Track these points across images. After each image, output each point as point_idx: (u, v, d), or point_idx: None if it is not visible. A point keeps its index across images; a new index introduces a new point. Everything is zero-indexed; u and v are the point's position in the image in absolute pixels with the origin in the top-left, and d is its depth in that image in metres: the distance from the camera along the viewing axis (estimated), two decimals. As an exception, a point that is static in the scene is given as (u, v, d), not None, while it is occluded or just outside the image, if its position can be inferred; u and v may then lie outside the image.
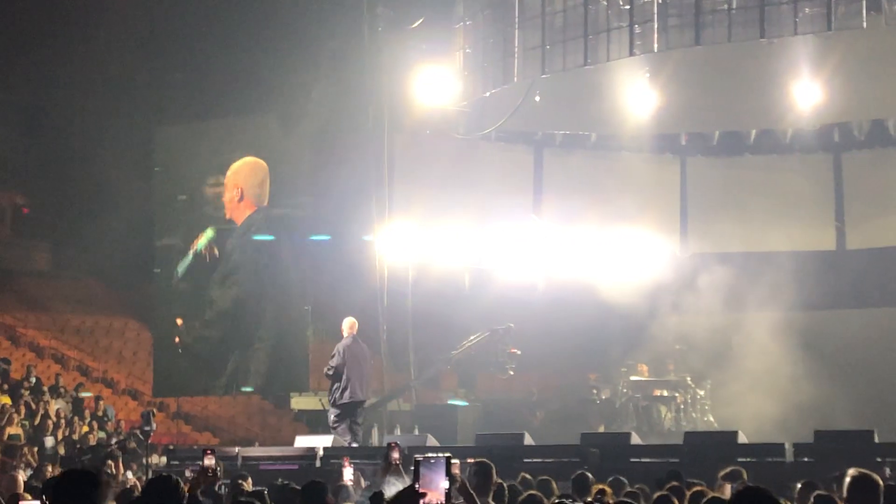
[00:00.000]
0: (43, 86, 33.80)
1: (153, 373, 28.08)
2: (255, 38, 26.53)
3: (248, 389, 26.28)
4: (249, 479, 11.84)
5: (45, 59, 33.19)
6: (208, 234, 25.96)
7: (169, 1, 28.87)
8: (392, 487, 10.98)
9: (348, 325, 18.75)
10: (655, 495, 8.97)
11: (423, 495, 5.13)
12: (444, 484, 5.16)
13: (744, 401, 21.39)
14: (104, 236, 31.90)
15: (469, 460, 11.18)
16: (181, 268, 25.96)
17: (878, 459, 13.68)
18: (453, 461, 5.42)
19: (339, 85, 24.57)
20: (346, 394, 18.32)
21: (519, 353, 22.90)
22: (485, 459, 9.15)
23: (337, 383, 18.39)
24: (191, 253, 25.97)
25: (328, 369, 18.56)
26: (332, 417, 18.53)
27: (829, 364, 22.18)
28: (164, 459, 20.35)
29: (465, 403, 23.33)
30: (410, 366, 24.13)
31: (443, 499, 5.15)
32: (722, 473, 11.05)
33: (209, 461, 7.49)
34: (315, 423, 25.92)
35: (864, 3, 18.07)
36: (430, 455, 5.28)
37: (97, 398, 27.41)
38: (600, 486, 10.10)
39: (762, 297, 22.81)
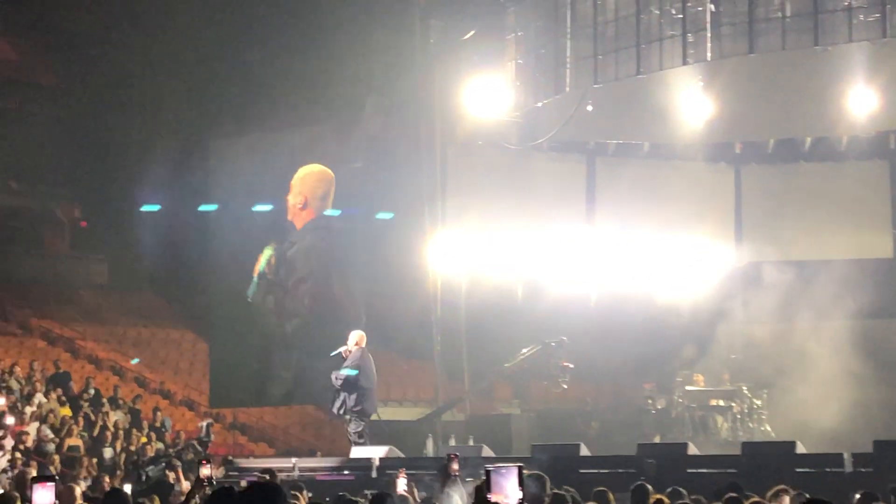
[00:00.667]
0: (100, 101, 34.22)
1: (209, 383, 28.32)
2: (308, 51, 26.71)
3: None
4: (305, 492, 11.85)
5: (103, 76, 33.65)
6: (267, 253, 26.18)
7: (224, 16, 29.12)
8: (450, 499, 11.01)
9: (359, 337, 18.68)
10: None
11: None
12: (517, 493, 5.16)
13: (801, 410, 21.21)
14: (161, 248, 32.21)
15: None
16: (250, 292, 26.15)
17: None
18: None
19: (392, 97, 24.71)
20: (367, 405, 18.34)
21: (572, 366, 22.83)
22: (539, 472, 9.15)
23: (355, 393, 18.34)
24: (255, 276, 26.18)
25: (340, 379, 18.39)
26: (356, 429, 18.50)
27: (888, 372, 21.97)
28: (221, 470, 20.48)
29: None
30: (464, 376, 24.17)
31: None
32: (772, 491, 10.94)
33: (205, 471, 7.43)
34: (370, 433, 25.97)
35: (920, 8, 17.94)
36: (501, 465, 5.30)
37: (155, 409, 27.65)
38: (658, 497, 10.06)
39: (818, 305, 22.65)
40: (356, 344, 18.51)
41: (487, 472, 5.20)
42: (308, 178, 26.03)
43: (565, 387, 23.17)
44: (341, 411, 18.43)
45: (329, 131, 25.86)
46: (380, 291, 25.94)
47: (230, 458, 21.11)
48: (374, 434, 23.61)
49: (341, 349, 18.33)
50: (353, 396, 18.33)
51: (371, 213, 25.35)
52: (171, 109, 32.03)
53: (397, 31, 24.23)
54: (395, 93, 24.60)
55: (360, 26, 24.82)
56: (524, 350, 23.01)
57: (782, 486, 10.27)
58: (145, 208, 27.92)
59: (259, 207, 26.21)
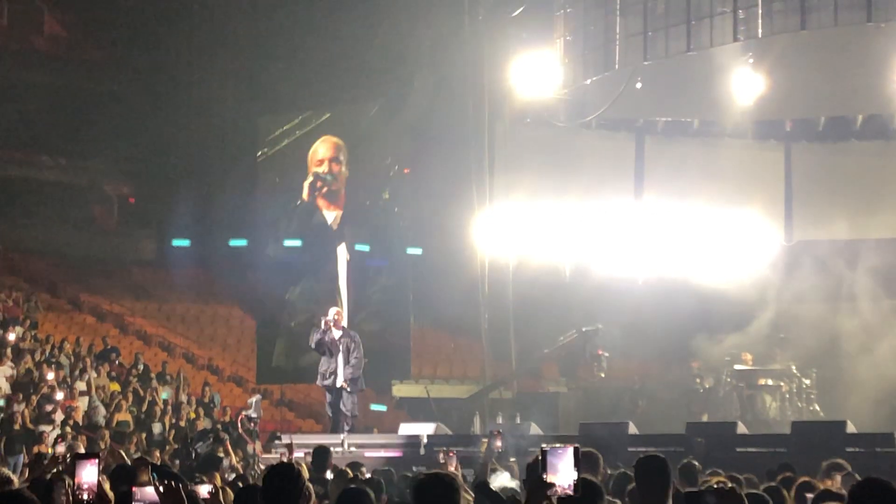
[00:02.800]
0: (148, 78, 34.42)
1: (256, 360, 28.52)
2: (356, 28, 26.75)
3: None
4: (363, 468, 11.84)
5: (151, 53, 33.82)
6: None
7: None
8: (498, 477, 11.02)
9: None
10: (763, 486, 8.88)
11: (552, 486, 5.06)
12: (573, 474, 5.07)
13: (851, 390, 21.07)
14: (210, 223, 32.45)
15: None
16: None
17: None
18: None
19: (440, 74, 24.68)
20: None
21: (607, 354, 22.77)
22: (592, 449, 9.05)
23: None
24: None
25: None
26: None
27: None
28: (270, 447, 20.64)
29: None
30: (511, 355, 24.17)
31: (570, 490, 5.05)
32: (825, 465, 10.86)
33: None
34: (416, 410, 26.10)
35: (975, -16, 17.69)
36: (557, 444, 5.22)
37: (204, 384, 27.89)
38: (719, 479, 9.96)
39: (869, 284, 22.45)
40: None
41: (543, 452, 5.12)
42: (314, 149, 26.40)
43: (602, 375, 23.11)
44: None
45: (375, 109, 25.89)
46: (427, 269, 25.99)
47: (278, 433, 21.26)
48: (423, 411, 23.76)
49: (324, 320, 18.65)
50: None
51: (419, 190, 25.42)
52: (219, 85, 32.17)
53: (446, 7, 24.18)
54: (443, 70, 24.57)
55: (409, 4, 24.80)
56: (561, 338, 23.00)
57: (836, 461, 10.19)
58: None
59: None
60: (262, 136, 28.16)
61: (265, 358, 28.02)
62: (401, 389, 28.82)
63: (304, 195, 27.16)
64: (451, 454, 12.76)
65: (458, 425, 21.30)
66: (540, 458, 5.06)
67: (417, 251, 26.55)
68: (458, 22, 23.95)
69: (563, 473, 5.04)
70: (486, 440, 13.66)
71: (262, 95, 29.81)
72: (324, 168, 26.30)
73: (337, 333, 18.97)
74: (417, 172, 25.79)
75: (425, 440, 17.34)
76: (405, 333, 25.59)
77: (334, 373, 18.90)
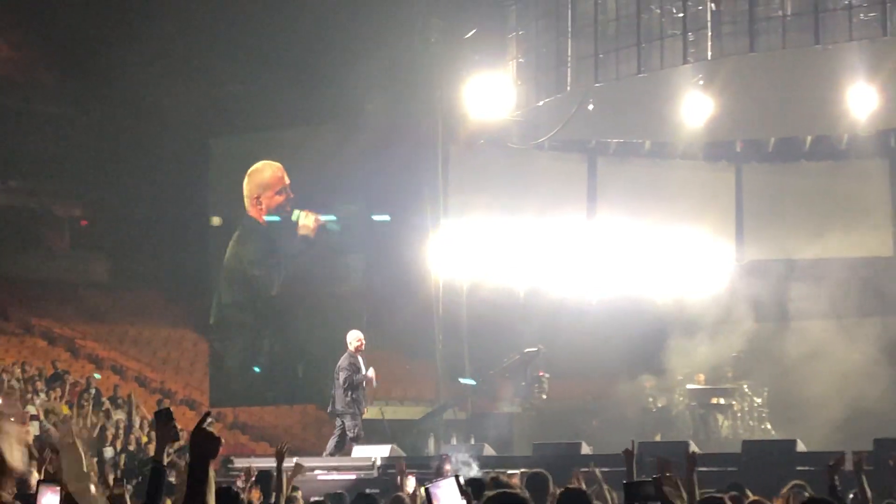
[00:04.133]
0: (100, 100, 34.21)
1: (210, 383, 28.36)
2: (310, 50, 26.72)
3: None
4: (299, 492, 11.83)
5: (103, 74, 33.62)
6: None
7: (225, 13, 29.12)
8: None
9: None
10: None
11: None
12: (462, 502, 5.11)
13: (802, 409, 21.23)
14: (162, 247, 32.29)
15: (522, 470, 11.19)
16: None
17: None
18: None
19: (394, 96, 24.71)
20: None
21: (548, 375, 22.81)
22: (540, 470, 9.11)
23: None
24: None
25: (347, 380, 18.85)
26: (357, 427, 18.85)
27: (888, 370, 21.97)
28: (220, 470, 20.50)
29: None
30: (466, 376, 24.18)
31: None
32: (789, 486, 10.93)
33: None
34: (371, 432, 25.99)
35: (921, 7, 17.96)
36: (437, 481, 5.26)
37: (159, 403, 27.68)
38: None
39: (818, 303, 22.67)
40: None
41: (427, 492, 5.14)
42: (254, 176, 26.35)
43: (544, 397, 23.14)
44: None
45: (329, 131, 25.89)
46: (380, 290, 25.97)
47: (231, 457, 21.13)
48: (377, 433, 23.69)
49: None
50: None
51: (370, 213, 25.43)
52: (171, 107, 32.04)
53: (399, 29, 24.24)
54: (396, 92, 24.62)
55: (362, 24, 24.84)
56: (505, 359, 23.08)
57: (797, 482, 10.27)
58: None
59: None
60: (214, 157, 28.08)
61: (219, 380, 27.86)
62: (355, 411, 28.71)
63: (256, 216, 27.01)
64: (409, 476, 12.77)
65: (412, 447, 21.27)
66: (425, 497, 5.07)
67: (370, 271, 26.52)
68: (411, 43, 24.03)
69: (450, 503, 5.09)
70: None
71: (215, 117, 29.72)
72: (287, 194, 26.24)
73: (361, 359, 18.98)
74: (371, 194, 25.79)
75: (379, 462, 17.30)
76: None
77: (365, 397, 19.06)
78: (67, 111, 34.62)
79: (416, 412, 26.16)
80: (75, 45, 33.87)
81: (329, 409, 19.43)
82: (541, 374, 22.78)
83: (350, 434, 18.87)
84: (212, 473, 4.46)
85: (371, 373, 18.75)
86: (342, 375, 18.84)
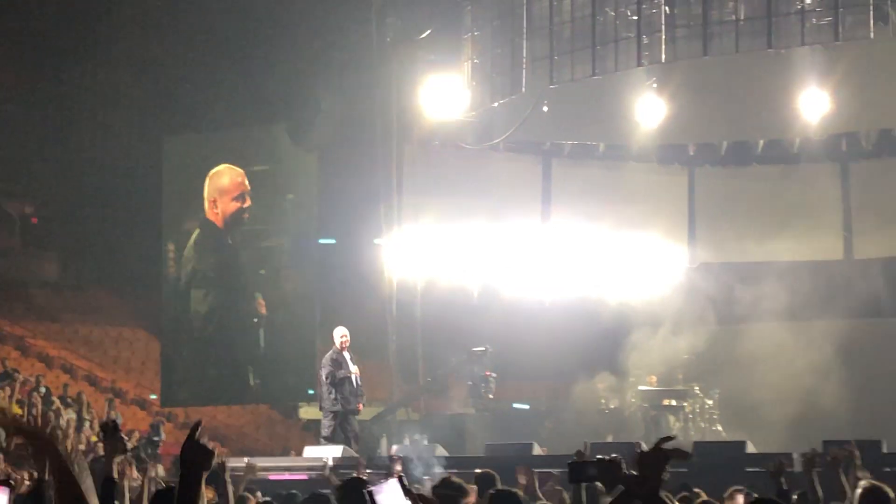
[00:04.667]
0: (52, 97, 33.93)
1: (161, 382, 28.19)
2: (264, 49, 26.63)
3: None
4: (258, 493, 11.78)
5: (55, 72, 33.35)
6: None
7: (178, 9, 28.96)
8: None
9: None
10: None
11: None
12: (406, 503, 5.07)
13: (752, 410, 21.39)
14: (113, 246, 32.05)
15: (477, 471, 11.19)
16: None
17: (887, 469, 13.66)
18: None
19: (349, 95, 24.65)
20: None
21: (495, 375, 22.80)
22: (488, 470, 9.17)
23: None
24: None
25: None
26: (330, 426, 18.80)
27: (838, 373, 22.17)
28: (172, 470, 20.38)
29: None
30: (419, 376, 24.18)
31: None
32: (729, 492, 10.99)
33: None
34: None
35: (872, 13, 18.12)
36: (379, 484, 5.21)
37: (109, 402, 27.50)
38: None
39: (769, 306, 22.82)
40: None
41: (370, 494, 5.09)
42: (213, 180, 26.20)
43: (491, 397, 23.13)
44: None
45: (284, 130, 25.79)
46: (334, 290, 25.91)
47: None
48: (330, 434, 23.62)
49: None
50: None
51: (326, 212, 25.37)
52: (123, 106, 31.82)
53: (353, 29, 24.19)
54: (351, 92, 24.56)
55: (316, 23, 24.77)
56: (453, 359, 23.08)
57: (737, 488, 10.34)
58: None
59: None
60: (167, 155, 27.89)
61: (170, 380, 27.67)
62: (308, 412, 28.65)
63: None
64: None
65: (365, 448, 21.22)
66: (368, 501, 5.01)
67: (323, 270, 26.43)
68: (367, 44, 23.97)
69: None
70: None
71: (166, 116, 29.54)
72: (244, 203, 26.08)
73: (347, 356, 18.96)
74: (325, 194, 25.71)
75: (331, 463, 17.25)
76: (311, 354, 25.45)
77: (355, 395, 18.97)
78: (18, 108, 34.27)
79: (369, 413, 26.09)
80: (26, 42, 33.56)
81: (319, 407, 19.46)
82: (488, 373, 22.74)
83: (323, 432, 18.82)
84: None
85: (354, 369, 18.70)
86: (323, 372, 18.84)
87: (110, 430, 5.47)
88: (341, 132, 25.08)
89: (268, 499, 10.38)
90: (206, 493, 12.35)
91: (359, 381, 19.10)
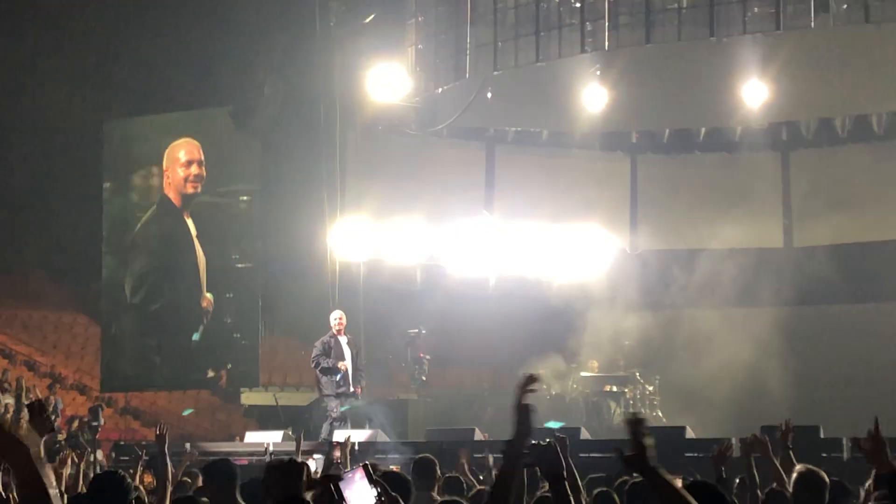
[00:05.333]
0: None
1: (101, 368, 27.95)
2: (205, 32, 26.41)
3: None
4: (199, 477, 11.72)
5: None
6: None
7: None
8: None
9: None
10: (596, 490, 9.03)
11: None
12: (372, 492, 5.03)
13: (693, 396, 21.55)
14: (53, 231, 31.70)
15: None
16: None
17: (824, 455, 13.83)
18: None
19: (292, 80, 24.54)
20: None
21: (429, 357, 22.81)
22: (427, 455, 9.20)
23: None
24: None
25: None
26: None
27: (776, 360, 22.40)
28: (113, 455, 20.23)
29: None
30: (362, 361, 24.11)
31: None
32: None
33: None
34: (266, 418, 25.86)
35: (813, 3, 18.31)
36: (346, 471, 5.17)
37: (50, 387, 27.23)
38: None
39: (710, 293, 23.01)
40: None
41: (336, 483, 4.94)
42: (170, 151, 25.98)
43: (424, 378, 23.14)
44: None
45: (226, 114, 25.61)
46: (277, 276, 25.79)
47: (122, 442, 20.84)
48: (272, 419, 23.56)
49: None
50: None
51: (269, 196, 25.25)
52: (63, 88, 31.44)
53: (298, 12, 24.05)
54: (294, 76, 24.44)
55: (260, 7, 24.62)
56: (388, 342, 23.08)
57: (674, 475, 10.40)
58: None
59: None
60: (108, 138, 27.61)
61: (110, 365, 27.44)
62: (250, 397, 28.53)
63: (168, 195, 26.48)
64: (310, 460, 12.77)
65: (307, 433, 21.15)
66: (335, 492, 4.96)
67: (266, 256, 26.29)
68: (310, 28, 23.84)
69: (361, 495, 5.00)
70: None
71: (107, 99, 29.22)
72: (192, 170, 25.83)
73: (343, 339, 18.65)
74: (269, 179, 25.59)
75: (271, 448, 17.19)
76: (254, 340, 25.35)
77: (347, 381, 18.57)
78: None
79: (311, 398, 26.04)
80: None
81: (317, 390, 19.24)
82: (421, 355, 22.74)
83: (332, 414, 18.53)
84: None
85: (341, 365, 18.50)
86: (312, 354, 18.62)
87: (35, 411, 5.40)
88: (284, 116, 24.96)
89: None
90: (145, 478, 12.33)
91: (359, 366, 18.81)
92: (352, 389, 18.80)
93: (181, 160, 25.90)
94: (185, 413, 28.15)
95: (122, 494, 6.40)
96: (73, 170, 30.81)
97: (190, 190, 25.86)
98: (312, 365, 18.78)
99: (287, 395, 27.04)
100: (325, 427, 18.60)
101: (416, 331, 22.21)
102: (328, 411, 18.73)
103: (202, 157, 25.78)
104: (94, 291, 28.74)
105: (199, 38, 26.46)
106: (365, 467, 5.11)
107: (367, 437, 17.28)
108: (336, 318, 18.85)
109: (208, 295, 25.60)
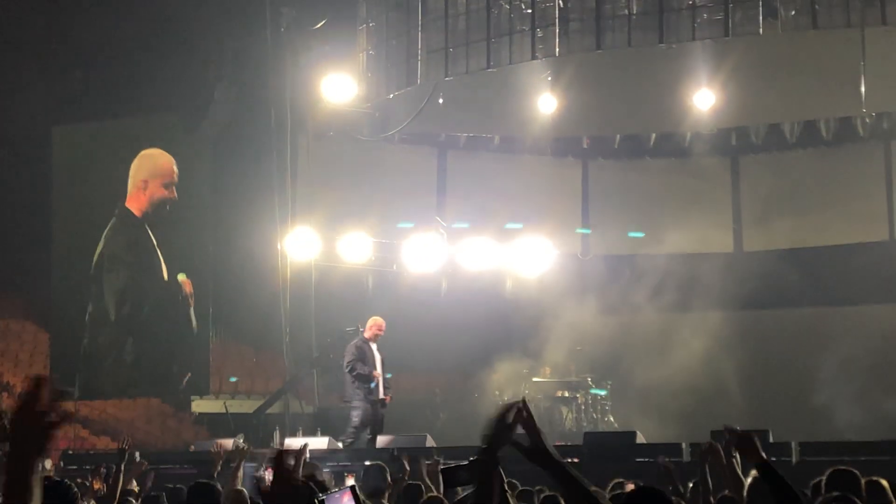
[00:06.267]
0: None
1: (50, 376, 27.64)
2: (155, 36, 26.20)
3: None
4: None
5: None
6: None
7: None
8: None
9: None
10: (543, 495, 9.04)
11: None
12: None
13: (643, 401, 21.65)
14: (0, 238, 31.31)
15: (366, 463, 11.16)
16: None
17: (773, 459, 13.88)
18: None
19: (242, 85, 24.42)
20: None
21: None
22: (379, 462, 9.17)
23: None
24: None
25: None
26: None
27: (727, 364, 22.54)
28: (60, 464, 20.04)
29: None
30: (313, 368, 24.02)
31: None
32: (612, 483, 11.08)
33: None
34: (216, 426, 25.70)
35: (761, 9, 18.42)
36: (332, 491, 5.08)
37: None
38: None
39: (661, 298, 23.13)
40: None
41: (321, 503, 4.97)
42: (145, 161, 25.66)
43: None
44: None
45: (176, 119, 25.44)
46: (228, 282, 25.63)
47: (70, 451, 20.63)
48: (223, 427, 23.41)
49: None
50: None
51: (220, 201, 25.09)
52: (9, 95, 31.10)
53: (248, 17, 23.93)
54: (244, 81, 24.32)
55: (210, 11, 24.45)
56: (328, 339, 22.91)
57: (619, 480, 10.45)
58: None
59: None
60: (56, 145, 27.35)
61: (60, 374, 27.13)
62: (200, 405, 28.33)
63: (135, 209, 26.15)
64: (268, 469, 12.66)
65: (258, 441, 21.06)
66: None
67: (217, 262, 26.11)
68: (260, 32, 23.71)
69: None
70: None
71: (55, 106, 28.92)
72: (174, 192, 25.54)
73: (374, 346, 18.50)
74: (219, 184, 25.42)
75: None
76: (204, 347, 25.17)
77: (378, 386, 18.39)
78: None
79: (251, 405, 25.93)
80: None
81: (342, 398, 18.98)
82: None
83: (354, 421, 18.28)
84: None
85: (376, 374, 18.35)
86: (345, 360, 18.32)
87: None
88: (235, 121, 24.82)
89: (155, 494, 10.24)
90: (94, 484, 12.16)
91: (385, 377, 18.64)
92: (381, 397, 18.53)
93: (167, 179, 25.54)
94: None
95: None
96: (21, 175, 30.48)
97: (163, 207, 25.60)
98: (347, 370, 18.46)
99: (238, 403, 26.90)
100: (350, 431, 18.34)
101: (353, 328, 22.00)
102: (351, 419, 18.44)
103: (176, 177, 25.50)
104: (43, 299, 28.43)
105: (147, 42, 26.25)
106: (352, 489, 5.00)
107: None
108: (371, 324, 18.59)
109: (182, 277, 25.26)
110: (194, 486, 8.31)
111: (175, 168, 25.46)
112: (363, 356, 18.43)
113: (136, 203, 25.73)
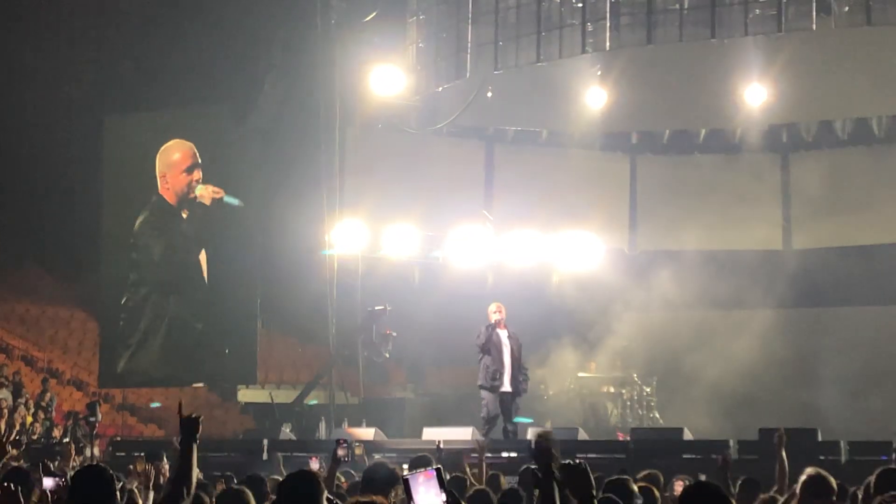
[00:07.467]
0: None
1: (99, 363, 27.90)
2: (207, 28, 26.36)
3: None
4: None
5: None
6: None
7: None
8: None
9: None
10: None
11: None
12: (441, 496, 4.87)
13: (691, 398, 21.54)
14: (51, 226, 31.66)
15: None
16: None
17: (821, 458, 13.81)
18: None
19: (292, 77, 24.49)
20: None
21: (395, 334, 22.38)
22: (425, 454, 9.18)
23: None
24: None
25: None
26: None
27: (774, 362, 22.39)
28: (110, 450, 20.23)
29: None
30: (359, 360, 24.06)
31: None
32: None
33: None
34: (262, 416, 25.81)
35: (815, 4, 18.26)
36: (417, 470, 4.97)
37: (43, 386, 27.16)
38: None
39: (709, 295, 22.99)
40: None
41: (405, 482, 4.86)
42: (161, 157, 25.90)
43: (387, 356, 22.76)
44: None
45: (225, 110, 25.57)
46: (276, 274, 25.74)
47: (118, 438, 20.80)
48: (269, 417, 23.48)
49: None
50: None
51: (268, 194, 25.19)
52: (65, 85, 31.40)
53: (299, 9, 24.00)
54: (294, 73, 24.39)
55: (260, 4, 24.56)
56: (360, 320, 22.83)
57: (679, 476, 10.41)
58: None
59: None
60: (108, 135, 27.55)
61: (108, 361, 27.38)
62: (246, 394, 28.51)
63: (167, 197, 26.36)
64: (313, 458, 12.82)
65: (304, 431, 21.16)
66: (405, 489, 4.81)
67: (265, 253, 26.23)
68: (311, 25, 23.77)
69: (430, 499, 4.83)
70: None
71: (107, 95, 29.17)
72: (195, 175, 25.70)
73: (503, 334, 17.64)
74: (267, 177, 25.53)
75: (266, 444, 17.17)
76: (252, 337, 25.28)
77: (502, 375, 17.46)
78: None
79: (310, 396, 25.99)
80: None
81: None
82: (388, 331, 22.25)
83: (481, 412, 17.67)
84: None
85: (507, 360, 17.43)
86: (479, 341, 17.55)
87: None
88: (284, 113, 24.91)
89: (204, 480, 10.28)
90: (138, 467, 12.14)
91: (521, 365, 17.71)
92: (509, 389, 17.66)
93: (181, 165, 25.78)
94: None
95: (104, 488, 6.25)
96: (73, 165, 30.78)
97: (192, 193, 25.78)
98: (479, 348, 17.72)
99: (284, 393, 27.02)
100: (484, 419, 17.60)
101: (382, 307, 21.83)
102: (483, 405, 17.69)
103: (199, 159, 25.70)
104: (92, 287, 28.67)
105: (199, 34, 26.42)
106: (438, 471, 4.96)
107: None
108: (493, 309, 17.71)
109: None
110: (246, 478, 8.37)
111: (193, 152, 25.65)
112: (487, 340, 17.52)
113: (169, 193, 26.01)
